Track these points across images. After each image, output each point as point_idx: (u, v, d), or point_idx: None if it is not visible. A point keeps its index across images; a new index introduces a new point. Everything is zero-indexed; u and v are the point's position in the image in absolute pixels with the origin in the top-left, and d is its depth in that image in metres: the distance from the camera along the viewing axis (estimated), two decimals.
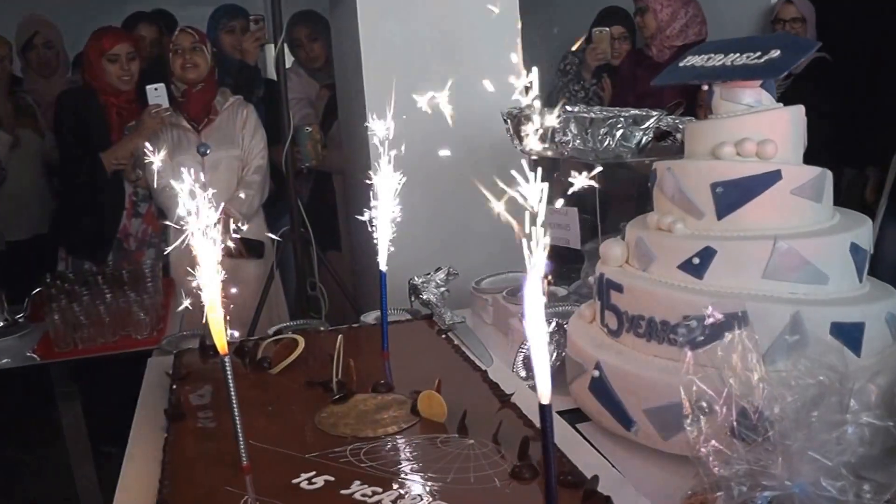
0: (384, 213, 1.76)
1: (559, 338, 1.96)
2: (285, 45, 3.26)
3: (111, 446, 3.01)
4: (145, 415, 1.69)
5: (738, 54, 1.56)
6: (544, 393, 0.94)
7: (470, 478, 1.24)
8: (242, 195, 3.20)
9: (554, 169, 2.56)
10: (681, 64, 1.68)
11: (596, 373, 1.52)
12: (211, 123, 3.14)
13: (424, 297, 2.38)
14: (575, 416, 1.69)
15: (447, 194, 2.92)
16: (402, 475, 1.26)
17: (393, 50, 2.84)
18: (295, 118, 3.31)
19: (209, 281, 1.16)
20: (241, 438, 1.26)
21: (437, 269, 2.43)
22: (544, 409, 0.94)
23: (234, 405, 1.24)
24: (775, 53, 1.49)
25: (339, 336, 1.70)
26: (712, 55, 1.62)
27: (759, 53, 1.52)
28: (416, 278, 2.40)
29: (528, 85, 0.88)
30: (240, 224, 3.13)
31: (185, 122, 3.17)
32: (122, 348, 2.49)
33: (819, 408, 1.08)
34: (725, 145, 1.50)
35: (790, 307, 1.38)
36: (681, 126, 2.42)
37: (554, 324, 1.99)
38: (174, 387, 1.69)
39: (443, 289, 2.42)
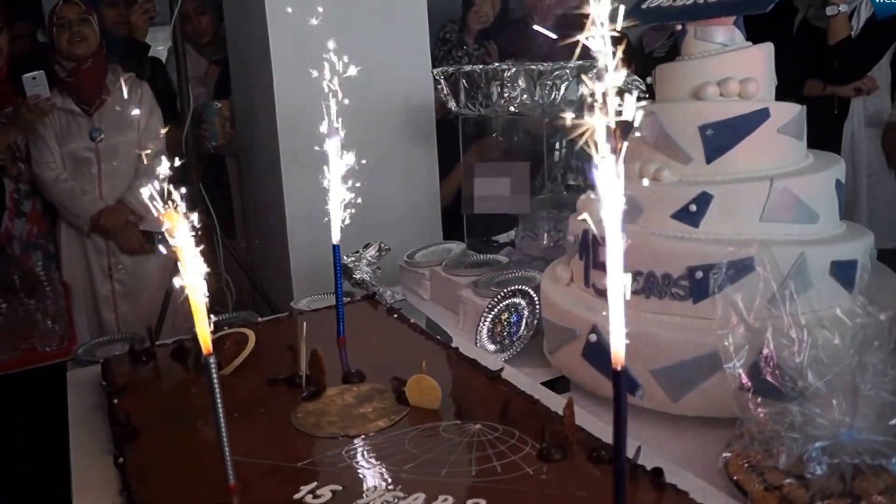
0: (336, 185, 1.60)
1: (529, 306, 1.85)
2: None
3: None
4: (82, 437, 1.46)
5: None
6: (619, 355, 0.82)
7: (496, 467, 1.11)
8: (144, 184, 2.90)
9: (488, 130, 2.46)
10: (643, 6, 1.58)
11: (593, 337, 1.42)
12: (103, 105, 2.81)
13: (357, 276, 2.20)
14: (555, 387, 1.59)
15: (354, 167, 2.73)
16: (419, 475, 1.11)
17: (301, 23, 2.63)
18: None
19: (191, 271, 0.97)
20: (227, 453, 1.08)
21: (367, 246, 2.24)
22: (618, 376, 0.82)
23: (221, 414, 1.05)
24: None
25: (304, 323, 1.53)
26: None
27: None
28: (346, 257, 2.21)
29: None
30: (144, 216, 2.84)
31: (75, 105, 2.83)
32: (30, 363, 2.18)
33: (871, 348, 1.02)
34: (708, 86, 1.43)
35: (795, 248, 1.32)
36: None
37: (521, 293, 1.88)
38: (115, 401, 1.46)
39: (375, 266, 2.26)
